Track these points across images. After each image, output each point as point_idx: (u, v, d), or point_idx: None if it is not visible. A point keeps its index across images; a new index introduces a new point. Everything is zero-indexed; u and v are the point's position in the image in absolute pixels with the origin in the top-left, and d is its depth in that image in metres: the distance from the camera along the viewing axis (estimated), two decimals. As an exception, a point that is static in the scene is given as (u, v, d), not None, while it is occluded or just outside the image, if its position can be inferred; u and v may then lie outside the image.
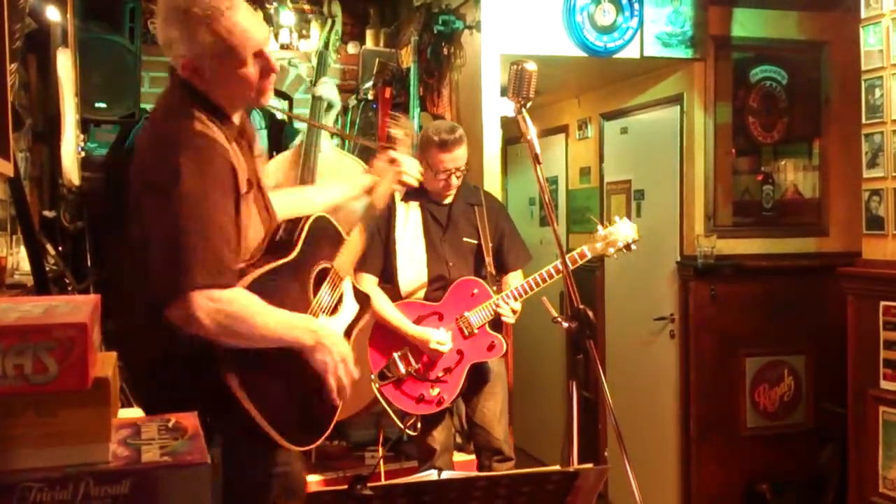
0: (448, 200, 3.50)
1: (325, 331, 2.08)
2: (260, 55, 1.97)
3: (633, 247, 3.38)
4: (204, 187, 1.86)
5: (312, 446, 2.21)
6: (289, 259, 2.14)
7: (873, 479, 3.58)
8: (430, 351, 3.33)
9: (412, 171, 2.63)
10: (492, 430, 3.51)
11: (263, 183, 2.17)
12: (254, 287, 1.98)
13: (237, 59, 1.94)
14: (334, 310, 2.31)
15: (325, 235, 2.31)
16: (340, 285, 2.34)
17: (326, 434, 2.23)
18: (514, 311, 3.37)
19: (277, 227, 2.22)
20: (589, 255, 3.33)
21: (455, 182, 3.41)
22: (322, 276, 2.28)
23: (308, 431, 2.16)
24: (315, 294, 2.24)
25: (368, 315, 2.50)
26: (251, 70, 1.97)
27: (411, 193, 3.51)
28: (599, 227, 3.37)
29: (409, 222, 3.46)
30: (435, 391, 3.37)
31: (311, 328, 2.05)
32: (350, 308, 2.37)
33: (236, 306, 1.88)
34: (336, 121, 4.88)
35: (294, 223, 2.26)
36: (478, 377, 3.50)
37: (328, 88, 4.34)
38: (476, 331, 3.39)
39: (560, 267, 3.30)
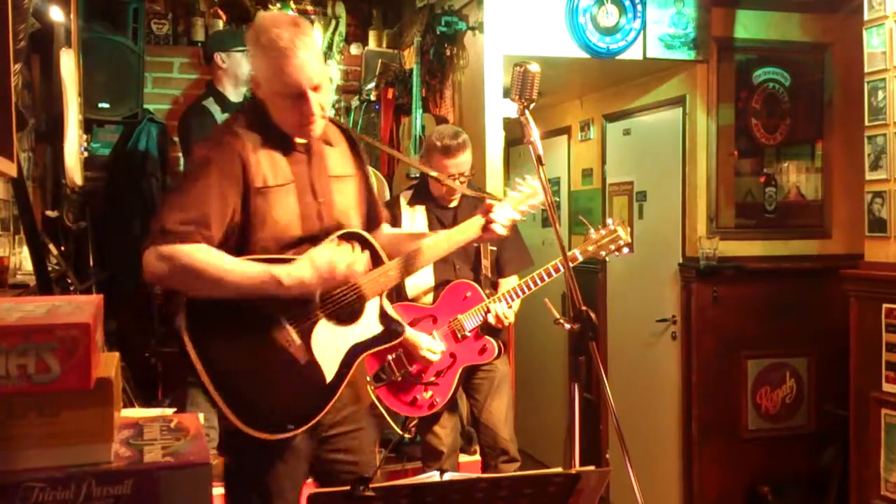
0: (453, 204, 3.50)
1: (305, 274, 2.10)
2: (300, 98, 2.15)
3: (626, 250, 3.30)
4: (200, 168, 2.14)
5: (281, 436, 2.17)
6: (287, 258, 2.16)
7: (875, 481, 3.57)
8: (420, 357, 3.33)
9: (501, 222, 2.50)
10: (498, 430, 3.52)
11: (327, 193, 2.30)
12: None
13: (281, 93, 2.16)
14: (347, 320, 2.28)
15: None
16: (361, 300, 2.29)
17: (304, 427, 2.19)
18: (505, 316, 3.35)
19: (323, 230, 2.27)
20: (580, 259, 3.27)
21: (461, 184, 3.41)
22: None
23: (277, 419, 2.15)
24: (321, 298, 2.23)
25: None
26: (291, 105, 2.17)
27: (416, 197, 3.52)
28: (591, 230, 3.34)
29: (415, 226, 3.46)
30: (427, 394, 3.39)
31: (284, 277, 2.08)
32: (367, 327, 2.32)
33: (185, 258, 2.04)
34: (337, 98, 4.93)
35: (345, 235, 2.29)
36: (485, 377, 3.51)
37: (331, 69, 4.71)
38: (468, 334, 3.39)
39: (553, 269, 3.30)
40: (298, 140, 2.26)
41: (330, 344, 2.24)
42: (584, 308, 2.12)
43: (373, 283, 2.30)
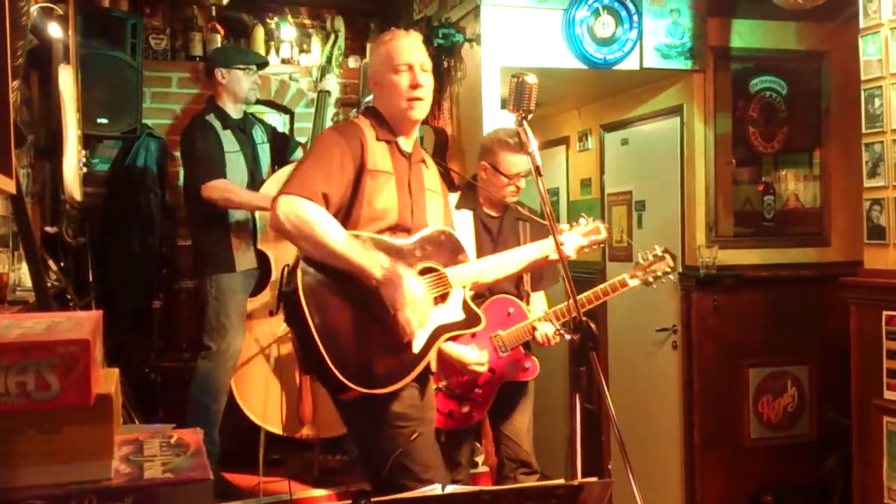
0: (498, 213, 3.47)
1: (396, 269, 2.34)
2: (409, 70, 2.54)
3: (671, 276, 3.30)
4: (328, 143, 2.51)
5: (383, 389, 2.39)
6: (395, 243, 2.48)
7: (878, 489, 3.56)
8: (468, 372, 3.19)
9: (572, 245, 3.04)
10: (521, 442, 3.48)
11: (422, 198, 2.66)
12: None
13: (392, 67, 2.55)
14: (440, 300, 2.55)
15: (444, 245, 2.64)
16: (447, 288, 2.58)
17: (400, 383, 2.41)
18: (552, 337, 3.30)
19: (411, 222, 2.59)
20: (630, 286, 3.24)
21: (522, 187, 3.39)
22: (425, 272, 2.54)
23: (368, 374, 2.37)
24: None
25: (467, 335, 2.73)
26: (400, 82, 2.54)
27: (464, 201, 3.48)
28: (639, 256, 3.29)
29: (460, 230, 3.42)
30: (466, 408, 3.35)
31: (381, 263, 2.33)
32: (452, 311, 2.58)
33: (308, 213, 2.32)
34: (336, 112, 4.96)
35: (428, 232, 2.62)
36: (514, 391, 3.48)
37: (331, 82, 4.81)
38: (510, 350, 3.35)
39: (601, 293, 3.27)
40: (403, 147, 2.62)
41: None
42: (584, 318, 2.12)
43: (457, 274, 2.59)
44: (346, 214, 2.48)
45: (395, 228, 2.54)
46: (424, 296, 2.44)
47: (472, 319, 2.64)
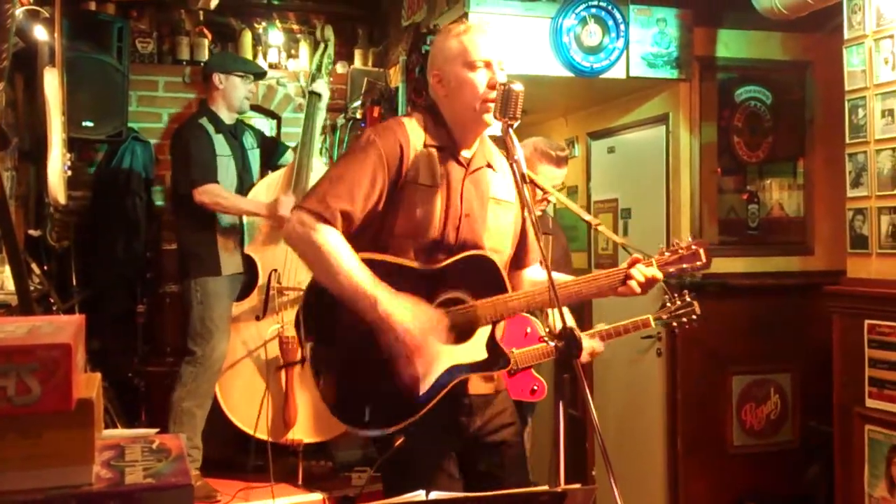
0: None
1: (397, 315, 2.12)
2: (487, 67, 2.30)
3: (695, 322, 3.22)
4: (363, 149, 2.26)
5: (361, 431, 2.31)
6: (417, 268, 2.25)
7: (859, 497, 3.58)
8: None
9: (639, 279, 2.40)
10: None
11: (479, 211, 2.35)
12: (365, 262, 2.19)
13: (467, 63, 2.30)
14: (455, 339, 2.26)
15: (481, 273, 2.31)
16: (475, 324, 2.27)
17: (380, 432, 2.26)
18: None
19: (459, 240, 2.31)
20: (653, 326, 3.23)
21: (552, 200, 3.33)
22: (450, 304, 2.27)
23: (362, 414, 2.24)
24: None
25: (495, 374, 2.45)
26: (475, 81, 2.29)
27: None
28: (667, 299, 3.26)
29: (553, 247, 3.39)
30: None
31: (379, 304, 2.12)
32: (472, 351, 2.29)
33: (318, 236, 2.15)
34: (325, 117, 4.98)
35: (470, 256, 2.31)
36: (518, 410, 3.46)
37: (321, 85, 4.76)
38: (520, 370, 3.32)
39: (636, 325, 3.31)
40: (464, 154, 2.36)
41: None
42: (569, 325, 2.12)
43: (489, 308, 2.28)
44: (382, 231, 2.27)
45: (432, 248, 2.28)
46: (435, 337, 2.20)
47: (494, 360, 2.32)
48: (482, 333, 2.30)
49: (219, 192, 4.18)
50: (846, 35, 3.66)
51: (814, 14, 3.81)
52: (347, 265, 2.15)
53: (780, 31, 4.56)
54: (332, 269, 2.15)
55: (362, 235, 2.24)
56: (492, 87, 2.28)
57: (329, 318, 2.24)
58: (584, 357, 3.30)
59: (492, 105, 2.26)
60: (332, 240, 2.16)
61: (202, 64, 5.17)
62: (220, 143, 4.32)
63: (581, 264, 5.23)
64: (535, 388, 3.38)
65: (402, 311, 2.13)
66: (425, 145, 2.31)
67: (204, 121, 4.33)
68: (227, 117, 4.40)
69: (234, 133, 4.44)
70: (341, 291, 2.15)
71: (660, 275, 2.43)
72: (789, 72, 4.69)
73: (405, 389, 2.19)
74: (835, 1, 3.64)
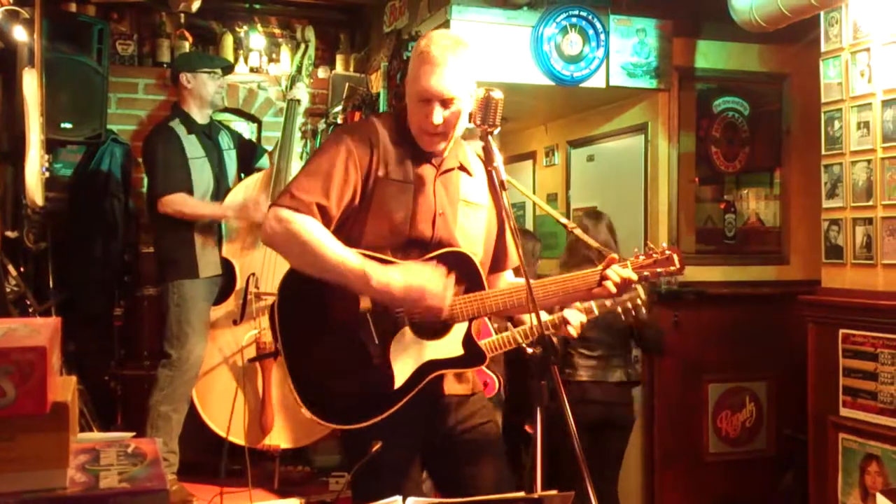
0: None
1: (393, 282, 2.15)
2: (427, 103, 2.24)
3: (644, 311, 3.10)
4: (334, 145, 2.27)
5: (337, 426, 2.32)
6: (395, 262, 2.22)
7: (833, 505, 3.61)
8: None
9: (614, 280, 2.45)
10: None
11: (451, 211, 2.35)
12: None
13: (413, 95, 2.27)
14: (431, 335, 2.29)
15: (458, 270, 2.29)
16: (451, 320, 2.29)
17: (355, 426, 2.25)
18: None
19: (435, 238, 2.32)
20: (596, 313, 3.05)
21: None
22: None
23: (337, 409, 2.27)
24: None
25: (470, 372, 2.45)
26: (419, 110, 2.26)
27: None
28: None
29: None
30: None
31: (372, 278, 2.14)
32: (448, 347, 2.31)
33: (296, 227, 2.16)
34: (304, 121, 4.99)
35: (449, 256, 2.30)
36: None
37: (301, 91, 4.75)
38: None
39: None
40: (430, 152, 2.34)
41: (407, 353, 2.27)
42: (546, 332, 2.13)
43: (466, 306, 2.30)
44: (352, 226, 2.28)
45: (408, 245, 2.28)
46: (434, 283, 2.19)
47: (472, 357, 2.33)
48: (459, 330, 2.32)
49: (181, 202, 4.15)
50: (823, 48, 3.70)
51: (792, 26, 3.85)
52: (331, 248, 2.16)
53: (758, 43, 4.61)
54: (317, 255, 2.16)
55: (338, 234, 2.23)
56: (433, 125, 2.24)
57: (304, 309, 2.26)
58: (576, 331, 3.19)
59: (427, 138, 2.28)
60: (311, 227, 2.17)
61: (166, 65, 5.16)
62: (193, 145, 4.28)
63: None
64: (488, 381, 3.40)
65: (396, 278, 2.16)
66: (394, 143, 2.31)
67: (175, 123, 4.30)
68: (200, 116, 4.37)
69: (209, 133, 4.40)
70: (330, 275, 2.16)
71: (634, 276, 2.49)
72: (767, 83, 4.74)
73: (381, 383, 2.23)
74: (812, 14, 3.69)
